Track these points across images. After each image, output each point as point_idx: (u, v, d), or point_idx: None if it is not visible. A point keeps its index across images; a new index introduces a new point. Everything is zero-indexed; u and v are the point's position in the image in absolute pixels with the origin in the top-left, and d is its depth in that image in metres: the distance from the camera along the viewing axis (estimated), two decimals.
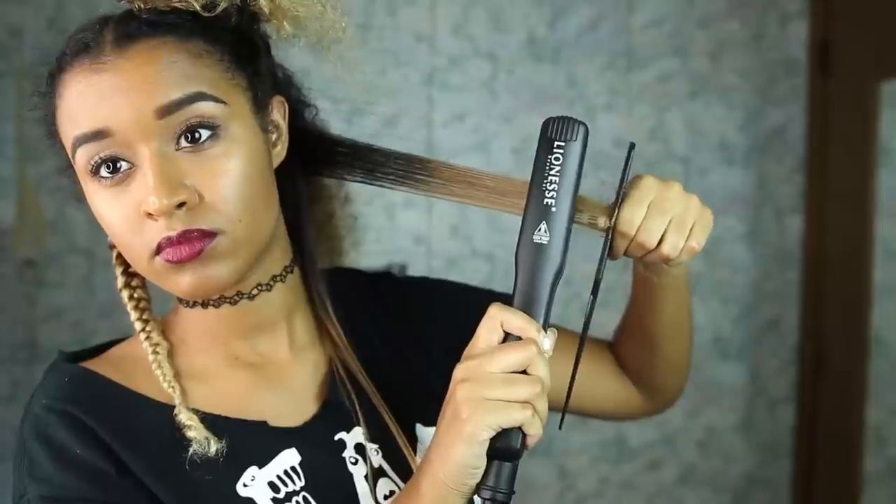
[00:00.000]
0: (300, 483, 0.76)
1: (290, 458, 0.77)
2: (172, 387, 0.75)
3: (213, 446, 0.72)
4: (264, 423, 0.78)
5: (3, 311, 2.48)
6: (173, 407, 0.74)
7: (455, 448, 0.65)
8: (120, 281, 0.82)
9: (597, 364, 1.00)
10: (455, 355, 0.92)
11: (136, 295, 0.82)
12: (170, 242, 0.69)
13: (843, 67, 2.41)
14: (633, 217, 0.75)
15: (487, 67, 2.55)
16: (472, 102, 2.55)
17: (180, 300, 0.81)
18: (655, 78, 2.57)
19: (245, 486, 0.74)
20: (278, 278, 0.80)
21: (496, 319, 0.69)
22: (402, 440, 0.82)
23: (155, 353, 0.78)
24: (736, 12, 2.56)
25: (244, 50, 0.75)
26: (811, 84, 2.52)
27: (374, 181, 0.83)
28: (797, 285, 2.57)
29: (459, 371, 0.67)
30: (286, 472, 0.76)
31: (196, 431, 0.72)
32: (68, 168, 0.76)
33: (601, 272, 0.76)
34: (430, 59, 2.53)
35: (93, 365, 0.77)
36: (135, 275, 0.82)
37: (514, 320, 0.69)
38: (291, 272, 0.82)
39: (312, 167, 0.86)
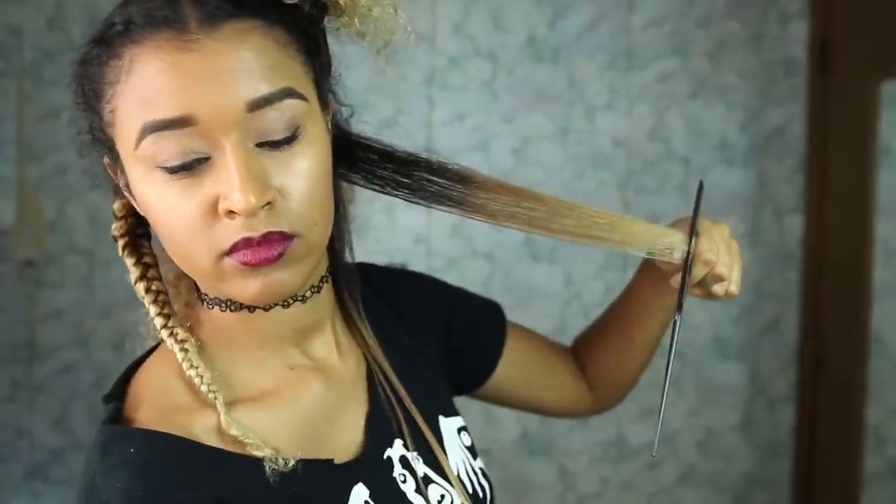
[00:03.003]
0: None
1: (361, 493, 0.72)
2: (213, 391, 0.68)
3: (291, 462, 0.67)
4: (331, 461, 0.72)
5: (3, 311, 2.49)
6: (249, 458, 0.66)
7: None
8: (134, 273, 0.75)
9: (557, 362, 1.03)
10: (445, 342, 0.93)
11: (153, 287, 0.74)
12: (248, 244, 0.64)
13: (843, 67, 2.40)
14: (713, 248, 0.82)
15: (487, 67, 2.55)
16: (472, 102, 2.55)
17: (219, 302, 0.73)
18: (655, 78, 2.57)
19: None
20: (324, 279, 0.77)
21: None
22: (435, 445, 0.80)
23: (184, 350, 0.70)
24: (736, 12, 2.56)
25: (313, 43, 0.70)
26: (811, 84, 2.52)
27: (416, 200, 0.79)
28: (797, 285, 2.57)
29: None
30: None
31: (261, 449, 0.66)
32: (96, 145, 0.70)
33: (684, 296, 0.83)
34: (430, 59, 2.53)
35: (146, 422, 0.67)
36: (150, 266, 0.76)
37: None
38: (330, 273, 0.79)
39: (346, 170, 0.82)
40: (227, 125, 0.62)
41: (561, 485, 2.59)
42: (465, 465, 0.84)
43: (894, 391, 2.35)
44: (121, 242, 0.76)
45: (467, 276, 2.51)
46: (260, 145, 0.64)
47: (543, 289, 2.56)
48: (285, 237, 0.65)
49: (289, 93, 0.65)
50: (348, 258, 0.91)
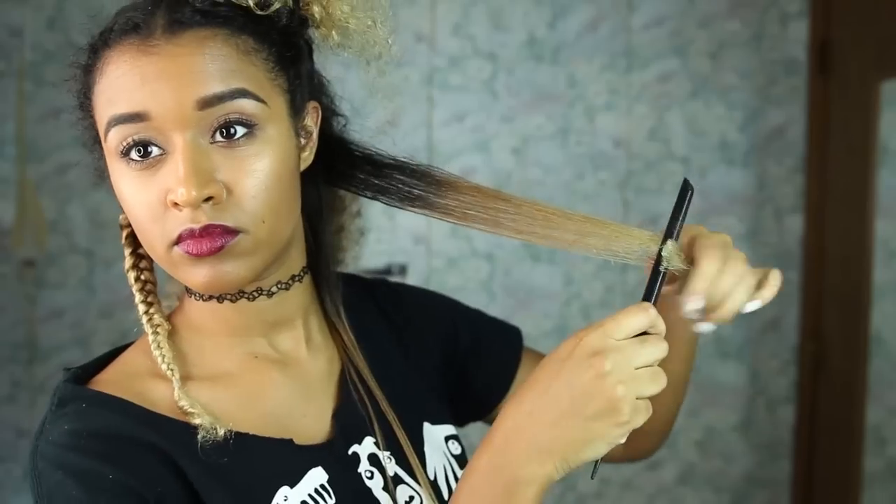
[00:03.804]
0: (331, 501, 0.75)
1: (318, 476, 0.75)
2: (171, 369, 0.73)
3: (221, 431, 0.71)
4: (290, 441, 0.76)
5: (3, 311, 2.49)
6: (191, 426, 0.71)
7: (595, 445, 0.65)
8: (128, 262, 0.80)
9: None
10: (446, 358, 0.94)
11: (142, 277, 0.80)
12: (191, 234, 0.68)
13: (843, 67, 2.41)
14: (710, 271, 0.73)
15: (487, 67, 2.55)
16: (472, 102, 2.55)
17: (194, 291, 0.79)
18: (655, 78, 2.57)
19: None
20: (296, 278, 0.80)
21: (650, 317, 0.68)
22: (407, 447, 0.82)
23: (155, 332, 0.76)
24: (736, 12, 2.56)
25: (289, 52, 0.75)
26: (811, 84, 2.52)
27: (391, 202, 0.84)
28: (797, 285, 2.57)
29: (608, 363, 0.64)
30: (317, 491, 0.75)
31: (201, 418, 0.71)
32: (95, 144, 0.75)
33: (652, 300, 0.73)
34: (430, 59, 2.53)
35: (102, 387, 0.73)
36: (143, 256, 0.80)
37: (662, 323, 0.69)
38: (307, 273, 0.83)
39: (332, 177, 0.86)
40: (179, 122, 0.68)
41: (561, 484, 2.59)
42: (446, 472, 0.85)
43: (894, 391, 2.35)
44: (124, 232, 0.80)
45: (467, 277, 2.51)
46: (215, 142, 0.69)
47: (543, 289, 2.56)
48: (227, 231, 0.69)
49: (242, 93, 0.69)
50: (346, 268, 0.94)
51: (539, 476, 0.66)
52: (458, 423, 0.98)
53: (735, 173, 2.58)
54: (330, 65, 0.85)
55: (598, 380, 0.64)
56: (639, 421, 0.65)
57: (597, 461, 0.69)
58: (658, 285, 0.72)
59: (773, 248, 2.59)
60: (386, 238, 2.50)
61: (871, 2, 2.33)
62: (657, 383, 0.67)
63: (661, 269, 0.72)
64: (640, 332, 0.67)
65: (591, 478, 0.73)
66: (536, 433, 0.65)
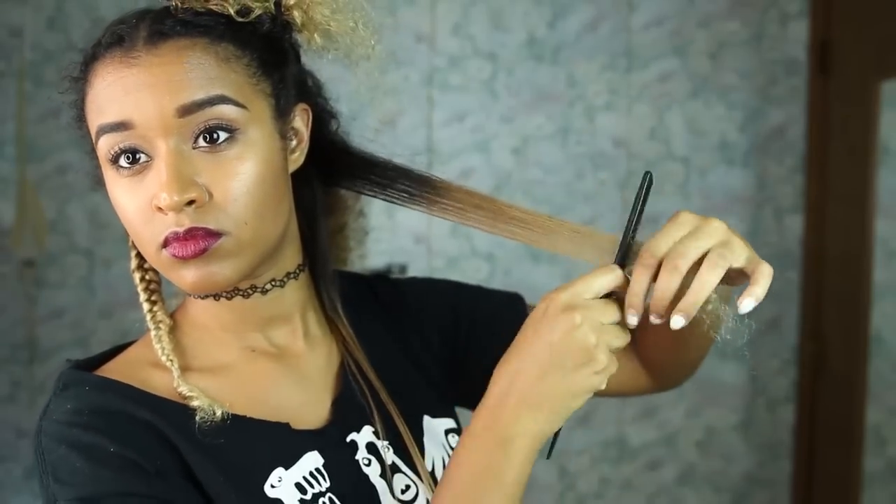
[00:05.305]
0: (326, 484, 0.77)
1: (314, 460, 0.78)
2: (171, 360, 0.77)
3: (219, 412, 0.73)
4: (287, 425, 0.78)
5: (3, 311, 2.49)
6: (189, 409, 0.74)
7: (579, 395, 0.69)
8: (133, 262, 0.83)
9: None
10: (449, 349, 0.95)
11: (147, 277, 0.83)
12: (176, 238, 0.71)
13: (843, 67, 2.41)
14: (659, 247, 0.75)
15: (487, 67, 2.55)
16: (472, 102, 2.55)
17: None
18: (655, 78, 2.57)
19: (273, 486, 0.74)
20: (292, 276, 0.82)
21: (617, 278, 0.71)
22: (407, 437, 0.83)
23: (157, 328, 0.79)
24: (736, 12, 2.56)
25: (272, 56, 0.77)
26: (811, 84, 2.52)
27: (387, 198, 0.87)
28: (797, 285, 2.57)
29: (578, 317, 0.68)
30: (311, 474, 0.77)
31: (200, 400, 0.73)
32: (92, 151, 0.77)
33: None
34: (430, 59, 2.54)
35: (105, 374, 0.77)
36: None
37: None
38: (303, 271, 0.85)
39: (329, 176, 0.89)
40: (161, 129, 0.70)
41: (561, 485, 2.59)
42: (444, 464, 0.86)
43: (894, 391, 2.35)
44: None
45: (467, 276, 2.51)
46: (198, 147, 0.72)
47: (543, 289, 2.55)
48: (210, 234, 0.71)
49: (222, 99, 0.71)
50: (352, 266, 0.96)
51: (530, 430, 0.68)
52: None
53: (735, 173, 2.58)
54: (327, 65, 0.85)
55: (571, 332, 0.68)
56: (612, 369, 0.69)
57: (554, 438, 0.72)
58: (628, 248, 0.76)
59: (773, 248, 2.58)
60: (386, 238, 2.50)
61: (871, 2, 2.33)
62: (622, 339, 0.70)
63: (630, 239, 0.76)
64: (607, 292, 0.71)
65: (547, 457, 0.75)
66: (524, 390, 0.68)
